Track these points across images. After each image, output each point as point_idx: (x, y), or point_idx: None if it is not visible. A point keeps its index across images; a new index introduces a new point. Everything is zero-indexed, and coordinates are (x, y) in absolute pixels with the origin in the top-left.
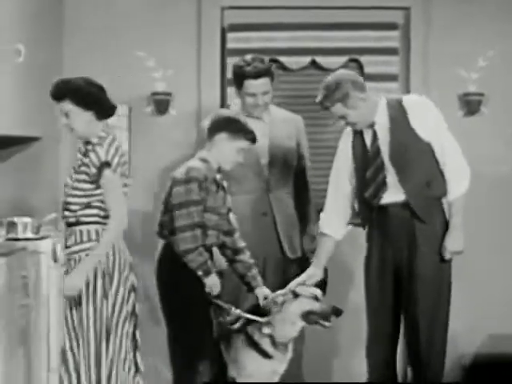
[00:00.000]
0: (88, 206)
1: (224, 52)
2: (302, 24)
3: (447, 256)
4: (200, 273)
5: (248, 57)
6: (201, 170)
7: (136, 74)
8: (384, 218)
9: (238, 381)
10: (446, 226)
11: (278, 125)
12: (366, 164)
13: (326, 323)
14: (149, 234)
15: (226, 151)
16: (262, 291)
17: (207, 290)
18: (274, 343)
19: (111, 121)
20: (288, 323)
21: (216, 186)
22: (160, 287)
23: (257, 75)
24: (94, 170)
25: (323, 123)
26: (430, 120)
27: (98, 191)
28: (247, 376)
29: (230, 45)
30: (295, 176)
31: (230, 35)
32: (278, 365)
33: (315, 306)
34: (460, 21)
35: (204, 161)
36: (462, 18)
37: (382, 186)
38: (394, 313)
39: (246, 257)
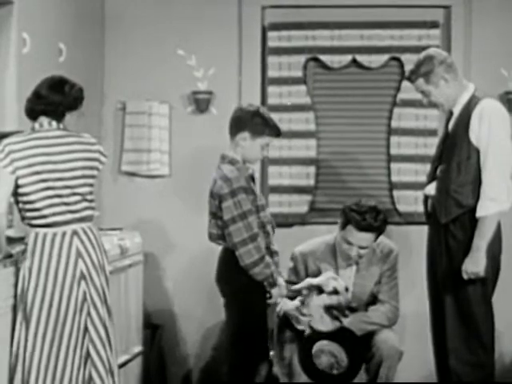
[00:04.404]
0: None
1: (265, 51)
2: (343, 22)
3: (465, 276)
4: (266, 284)
5: (366, 204)
6: (239, 177)
7: (177, 72)
8: (427, 209)
9: (283, 378)
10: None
11: (364, 274)
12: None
13: (343, 318)
14: (187, 233)
15: (250, 149)
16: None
17: (272, 301)
18: None
19: (153, 120)
20: (317, 316)
21: (253, 182)
22: (222, 291)
23: (364, 229)
24: None
25: (364, 122)
26: (483, 127)
27: None
28: (293, 373)
29: (270, 43)
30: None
31: (270, 34)
32: None
33: (333, 300)
34: (501, 19)
35: (234, 162)
36: (503, 17)
37: (432, 174)
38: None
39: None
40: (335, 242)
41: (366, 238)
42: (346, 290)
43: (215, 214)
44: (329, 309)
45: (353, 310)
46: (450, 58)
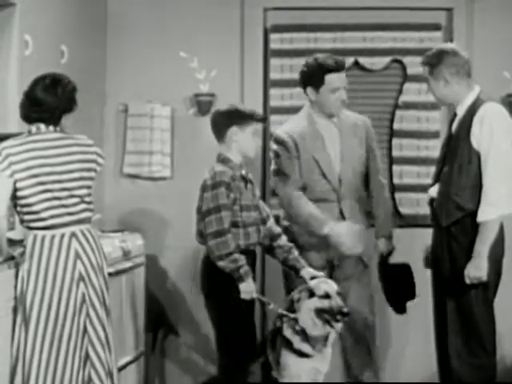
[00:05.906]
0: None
1: (267, 53)
2: (345, 25)
3: (467, 281)
4: (235, 278)
5: (321, 54)
6: (226, 172)
7: (179, 75)
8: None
9: (282, 380)
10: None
11: (348, 132)
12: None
13: (335, 325)
14: (189, 235)
15: (243, 141)
16: (307, 271)
17: (241, 295)
18: (307, 340)
19: (155, 122)
20: (308, 319)
21: (244, 182)
22: (204, 290)
23: (341, 68)
24: None
25: None
26: (484, 131)
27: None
28: (289, 377)
29: (272, 46)
30: (369, 179)
31: (272, 36)
32: (319, 363)
33: (324, 304)
34: (503, 22)
35: (227, 161)
36: (505, 20)
37: (437, 176)
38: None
39: (283, 241)
40: (312, 112)
41: (344, 76)
42: (338, 294)
43: (199, 209)
44: (320, 313)
45: (344, 314)
46: (464, 63)
